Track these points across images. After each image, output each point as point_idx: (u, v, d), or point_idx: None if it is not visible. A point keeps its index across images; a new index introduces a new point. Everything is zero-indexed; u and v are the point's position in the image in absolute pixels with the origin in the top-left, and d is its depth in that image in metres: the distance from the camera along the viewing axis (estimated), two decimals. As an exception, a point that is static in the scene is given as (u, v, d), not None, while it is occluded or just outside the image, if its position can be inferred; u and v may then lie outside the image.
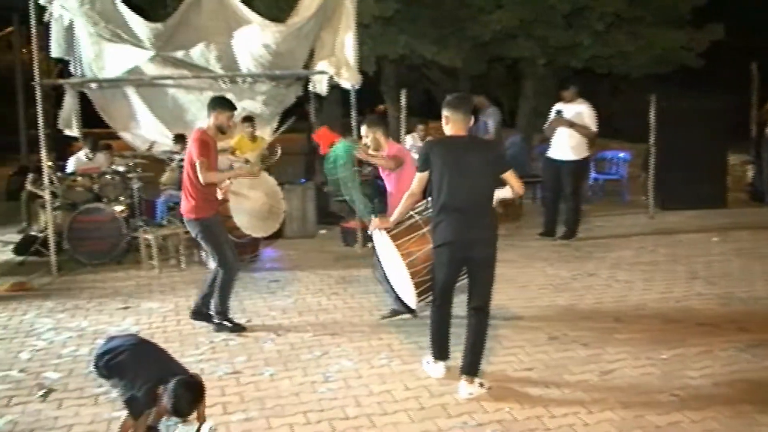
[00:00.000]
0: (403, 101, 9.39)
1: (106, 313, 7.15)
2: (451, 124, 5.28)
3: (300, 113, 13.64)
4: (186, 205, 6.44)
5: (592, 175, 13.38)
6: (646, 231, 10.54)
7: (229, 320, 6.58)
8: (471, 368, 5.14)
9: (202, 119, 12.05)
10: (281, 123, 12.53)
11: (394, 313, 6.72)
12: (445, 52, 13.53)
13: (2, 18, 20.59)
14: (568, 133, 9.59)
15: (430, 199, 5.39)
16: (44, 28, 9.91)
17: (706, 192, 12.01)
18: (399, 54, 13.71)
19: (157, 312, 7.22)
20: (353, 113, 9.78)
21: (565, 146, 9.67)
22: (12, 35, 20.66)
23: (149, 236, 8.81)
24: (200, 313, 6.68)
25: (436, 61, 14.04)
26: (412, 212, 5.64)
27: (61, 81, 11.05)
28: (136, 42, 10.10)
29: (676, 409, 4.78)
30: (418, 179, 5.34)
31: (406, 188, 6.19)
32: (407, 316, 6.65)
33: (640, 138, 12.81)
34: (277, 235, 10.08)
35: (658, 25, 13.58)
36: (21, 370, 5.75)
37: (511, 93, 18.49)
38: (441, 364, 5.44)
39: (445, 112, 5.30)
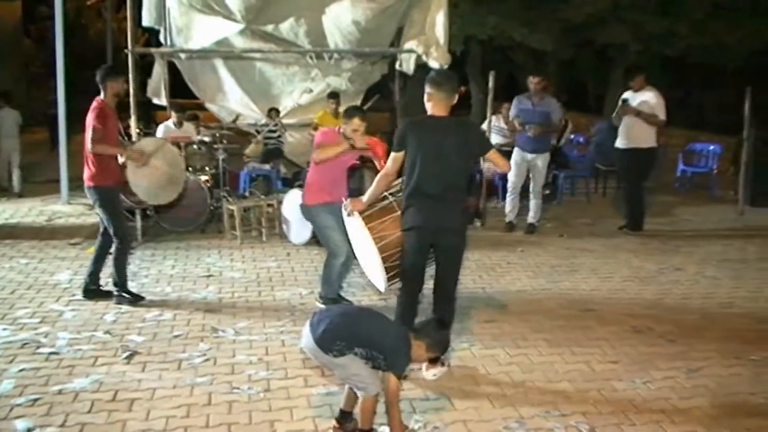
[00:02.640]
0: (490, 83, 9.29)
1: (190, 280, 7.25)
2: (433, 102, 5.02)
3: (384, 92, 13.65)
4: (86, 173, 6.45)
5: (680, 167, 13.04)
6: (735, 227, 10.20)
7: (128, 291, 6.60)
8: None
9: (288, 93, 12.23)
10: (365, 100, 12.56)
11: None
12: (534, 34, 13.33)
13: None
14: (634, 121, 9.34)
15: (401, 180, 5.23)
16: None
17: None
18: (488, 35, 13.54)
19: (239, 282, 7.30)
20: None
21: (630, 135, 9.43)
22: (102, 3, 21.16)
23: (232, 207, 8.90)
24: (91, 291, 6.70)
25: (526, 43, 13.83)
26: (386, 193, 5.35)
27: (153, 50, 11.17)
28: (227, 14, 10.20)
29: (769, 414, 4.62)
30: (393, 159, 5.08)
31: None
32: None
33: (730, 131, 12.40)
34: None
35: (759, 15, 13.07)
36: (106, 332, 5.86)
37: (599, 79, 18.13)
38: None
39: (428, 89, 5.03)
